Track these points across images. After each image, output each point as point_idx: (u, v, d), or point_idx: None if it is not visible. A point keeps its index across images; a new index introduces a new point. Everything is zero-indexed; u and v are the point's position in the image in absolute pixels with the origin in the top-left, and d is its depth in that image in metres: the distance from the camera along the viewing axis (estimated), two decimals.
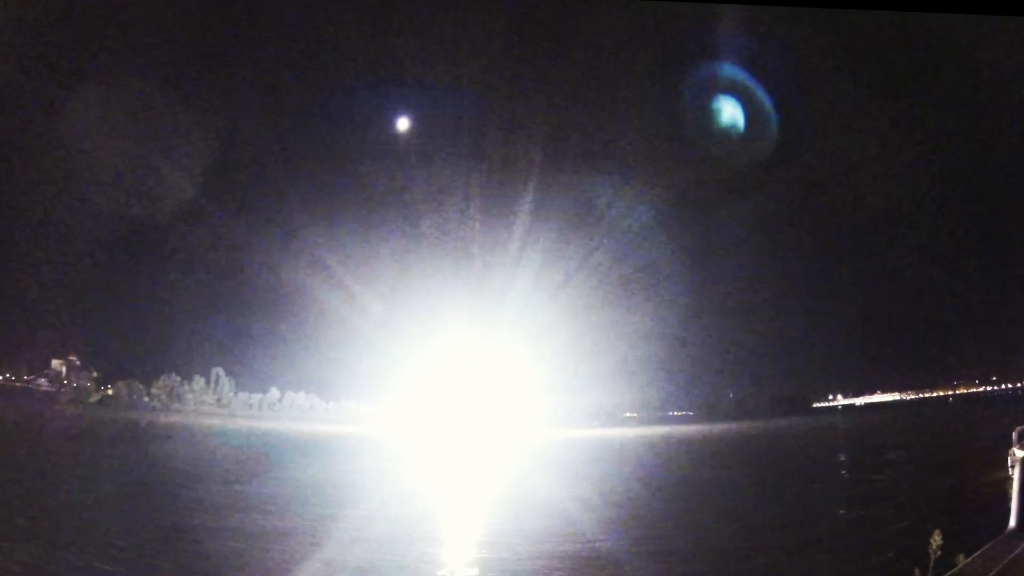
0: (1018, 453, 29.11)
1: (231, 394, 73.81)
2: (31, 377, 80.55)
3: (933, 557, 22.82)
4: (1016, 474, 28.21)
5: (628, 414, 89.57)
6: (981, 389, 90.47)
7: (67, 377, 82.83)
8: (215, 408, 76.98)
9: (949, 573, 11.92)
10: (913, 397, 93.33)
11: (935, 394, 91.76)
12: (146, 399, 79.94)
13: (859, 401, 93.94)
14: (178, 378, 78.41)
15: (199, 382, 75.83)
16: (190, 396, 74.04)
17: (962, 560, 12.37)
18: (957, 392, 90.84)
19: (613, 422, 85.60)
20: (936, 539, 22.84)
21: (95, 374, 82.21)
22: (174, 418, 68.05)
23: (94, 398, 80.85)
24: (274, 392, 74.47)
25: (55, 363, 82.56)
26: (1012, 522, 22.61)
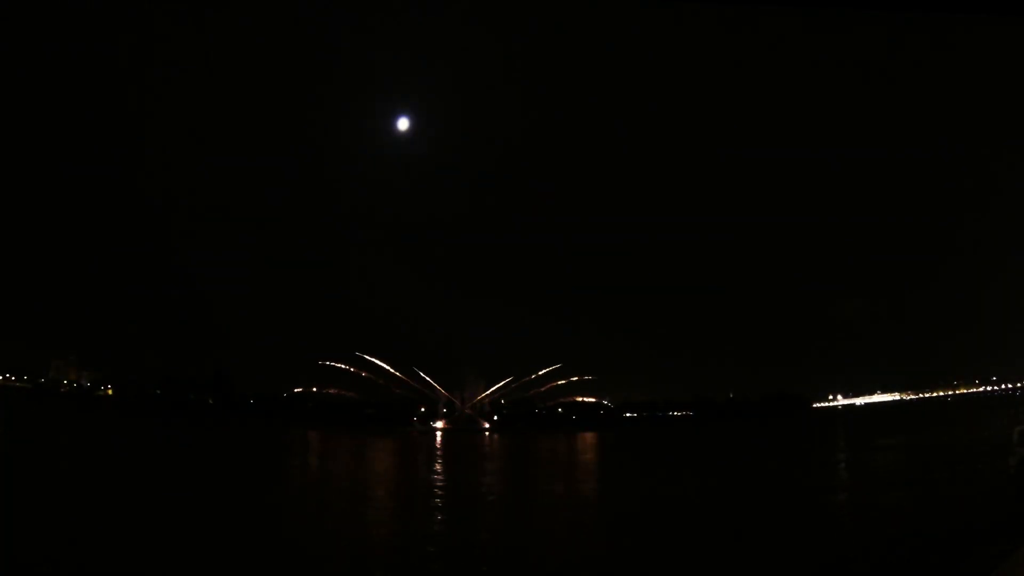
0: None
1: None
2: None
3: None
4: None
5: (627, 414, 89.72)
6: (981, 389, 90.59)
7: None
8: None
9: None
10: (913, 397, 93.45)
11: (935, 394, 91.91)
12: None
13: (859, 401, 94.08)
14: None
15: None
16: None
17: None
18: (957, 392, 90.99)
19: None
20: None
21: None
22: None
23: None
24: None
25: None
26: None
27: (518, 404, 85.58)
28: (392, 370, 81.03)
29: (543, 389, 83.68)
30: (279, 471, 42.69)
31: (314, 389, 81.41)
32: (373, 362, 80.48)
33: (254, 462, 44.93)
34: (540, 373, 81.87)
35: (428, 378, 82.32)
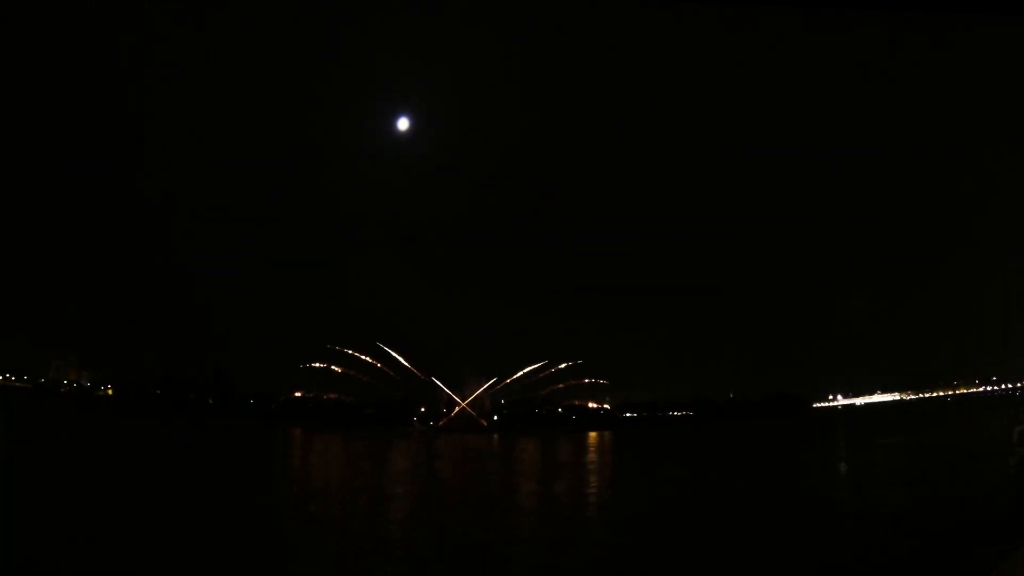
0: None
1: None
2: None
3: None
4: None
5: (627, 414, 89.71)
6: (981, 389, 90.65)
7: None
8: None
9: None
10: (913, 397, 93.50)
11: (935, 394, 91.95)
12: None
13: (859, 401, 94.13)
14: None
15: None
16: None
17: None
18: (957, 392, 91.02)
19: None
20: None
21: None
22: None
23: None
24: None
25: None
26: None
27: (518, 404, 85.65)
28: (388, 371, 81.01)
29: (544, 392, 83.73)
30: (277, 471, 42.70)
31: (311, 395, 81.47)
32: (366, 360, 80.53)
33: (252, 463, 44.97)
34: (560, 367, 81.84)
35: (426, 376, 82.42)
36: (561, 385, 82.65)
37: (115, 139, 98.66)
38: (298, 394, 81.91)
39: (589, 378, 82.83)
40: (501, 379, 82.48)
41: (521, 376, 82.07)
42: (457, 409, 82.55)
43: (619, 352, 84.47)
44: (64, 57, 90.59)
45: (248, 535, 22.38)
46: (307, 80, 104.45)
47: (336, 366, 79.60)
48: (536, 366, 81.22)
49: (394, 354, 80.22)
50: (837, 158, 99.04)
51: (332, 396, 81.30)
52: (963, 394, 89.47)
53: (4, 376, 79.05)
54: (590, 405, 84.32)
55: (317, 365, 79.36)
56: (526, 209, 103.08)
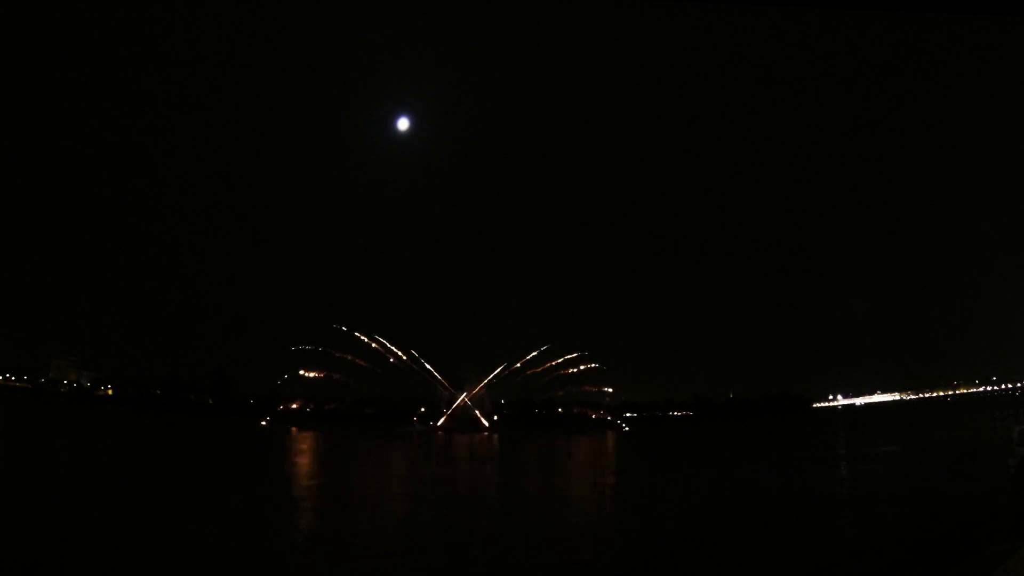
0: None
1: None
2: None
3: None
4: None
5: (627, 415, 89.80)
6: (981, 389, 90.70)
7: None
8: None
9: None
10: (913, 397, 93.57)
11: (935, 394, 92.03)
12: None
13: (859, 401, 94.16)
14: None
15: None
16: None
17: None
18: (957, 392, 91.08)
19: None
20: None
21: None
22: None
23: None
24: None
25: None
26: None
27: (518, 404, 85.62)
28: (387, 373, 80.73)
29: (558, 395, 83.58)
30: (273, 472, 42.70)
31: (310, 407, 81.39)
32: (364, 364, 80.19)
33: (249, 464, 45.00)
34: (575, 371, 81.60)
35: (428, 371, 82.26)
36: (561, 392, 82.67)
37: (116, 140, 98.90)
38: (295, 405, 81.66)
39: (593, 386, 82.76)
40: (507, 378, 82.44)
41: (544, 368, 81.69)
42: (457, 408, 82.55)
43: (620, 352, 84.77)
44: (65, 58, 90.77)
45: (244, 535, 22.40)
46: (307, 80, 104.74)
47: (335, 373, 79.37)
48: (570, 356, 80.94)
49: (395, 354, 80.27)
50: (838, 157, 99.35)
51: (331, 406, 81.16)
52: (963, 394, 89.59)
53: (4, 376, 79.12)
54: (592, 416, 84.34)
55: (313, 375, 79.09)
56: (526, 209, 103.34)
